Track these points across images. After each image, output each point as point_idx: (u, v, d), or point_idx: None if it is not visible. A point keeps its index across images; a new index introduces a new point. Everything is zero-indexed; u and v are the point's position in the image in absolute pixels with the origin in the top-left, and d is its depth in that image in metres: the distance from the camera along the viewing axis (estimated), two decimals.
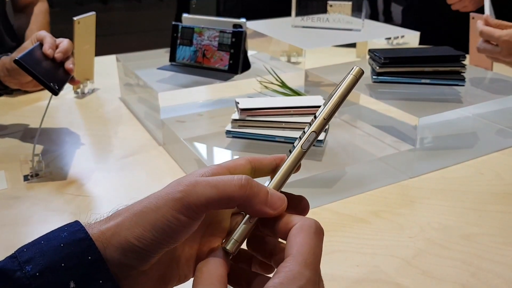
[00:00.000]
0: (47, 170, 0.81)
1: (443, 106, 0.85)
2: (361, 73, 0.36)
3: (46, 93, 1.20)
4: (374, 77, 0.90)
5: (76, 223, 0.32)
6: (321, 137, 0.77)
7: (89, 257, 0.30)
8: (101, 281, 0.30)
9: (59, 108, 1.12)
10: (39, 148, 0.90)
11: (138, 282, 0.32)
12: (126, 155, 0.88)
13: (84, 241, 0.30)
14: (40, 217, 0.69)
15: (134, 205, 0.32)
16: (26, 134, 0.97)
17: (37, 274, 0.29)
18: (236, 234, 0.34)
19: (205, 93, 1.14)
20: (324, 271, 0.57)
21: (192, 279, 0.34)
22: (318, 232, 0.31)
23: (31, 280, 0.28)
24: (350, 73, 0.36)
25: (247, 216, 0.34)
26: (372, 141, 0.90)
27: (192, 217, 0.31)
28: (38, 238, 0.31)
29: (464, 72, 0.88)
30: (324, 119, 0.35)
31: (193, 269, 0.36)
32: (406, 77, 0.88)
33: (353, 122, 0.99)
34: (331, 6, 1.26)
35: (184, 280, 0.36)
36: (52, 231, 0.32)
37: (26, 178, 0.79)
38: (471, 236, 0.64)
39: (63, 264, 0.29)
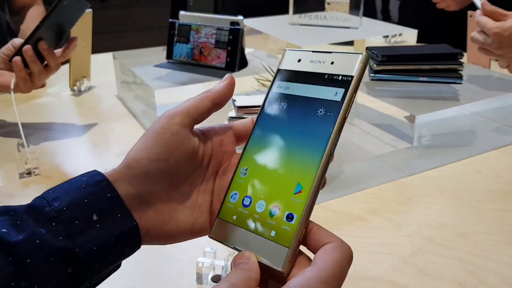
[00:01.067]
0: (43, 168, 0.81)
1: (440, 104, 0.84)
2: (367, 59, 0.36)
3: (42, 91, 1.20)
4: (371, 75, 0.90)
5: (94, 170, 0.36)
6: None
7: (108, 195, 0.34)
8: (119, 215, 0.33)
9: (55, 106, 1.11)
10: (35, 145, 0.89)
11: (146, 216, 0.35)
12: (122, 152, 0.87)
13: (102, 181, 0.34)
14: None
15: None
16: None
17: (64, 208, 0.32)
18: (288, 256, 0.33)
19: (202, 90, 1.13)
20: None
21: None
22: (349, 260, 0.32)
23: (59, 213, 0.32)
24: (359, 61, 0.35)
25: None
26: (370, 139, 0.90)
27: (177, 122, 0.36)
28: (61, 183, 0.35)
29: (461, 70, 0.88)
30: (345, 117, 0.35)
31: (209, 219, 0.38)
32: (403, 75, 0.88)
33: (350, 120, 0.99)
34: (328, 4, 1.26)
35: (199, 232, 0.37)
36: (72, 177, 0.35)
37: (22, 175, 0.79)
38: (468, 234, 0.64)
39: (86, 201, 0.33)
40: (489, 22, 0.92)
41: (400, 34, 1.45)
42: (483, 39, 0.94)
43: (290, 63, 0.39)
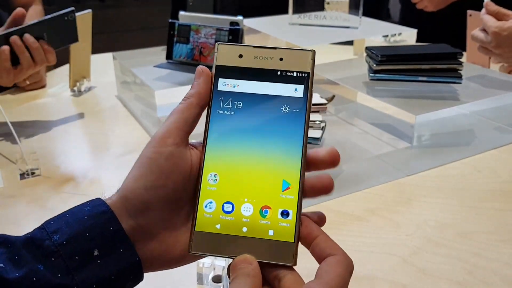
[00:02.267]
0: (44, 169, 0.81)
1: (440, 103, 0.84)
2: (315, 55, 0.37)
3: (43, 92, 1.20)
4: (371, 74, 0.90)
5: (98, 199, 0.35)
6: (318, 134, 0.77)
7: (111, 228, 0.32)
8: (121, 250, 0.32)
9: (55, 106, 1.11)
10: (35, 146, 0.90)
11: (150, 246, 0.34)
12: (122, 153, 0.88)
13: (105, 213, 0.33)
14: (36, 216, 0.69)
15: None
16: (22, 132, 0.97)
17: (64, 242, 0.31)
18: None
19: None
20: None
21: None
22: (351, 273, 0.32)
23: (59, 248, 0.31)
24: (311, 58, 0.37)
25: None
26: (369, 139, 0.90)
27: (170, 144, 0.34)
28: (63, 212, 0.34)
29: (461, 70, 0.88)
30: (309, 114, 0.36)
31: None
32: (403, 74, 0.88)
33: (350, 120, 0.99)
34: (328, 3, 1.26)
35: None
36: (76, 206, 0.34)
37: (22, 176, 0.79)
38: (467, 234, 0.64)
39: (87, 234, 0.32)
40: (490, 20, 0.92)
41: (400, 34, 1.45)
42: (483, 37, 0.94)
43: (230, 59, 0.37)
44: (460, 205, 0.70)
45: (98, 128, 0.99)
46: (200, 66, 0.37)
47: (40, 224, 0.33)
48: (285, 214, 0.34)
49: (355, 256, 0.60)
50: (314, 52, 0.37)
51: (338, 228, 0.65)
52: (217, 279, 0.55)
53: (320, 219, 0.35)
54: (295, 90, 0.36)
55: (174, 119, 0.35)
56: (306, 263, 0.34)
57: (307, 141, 0.36)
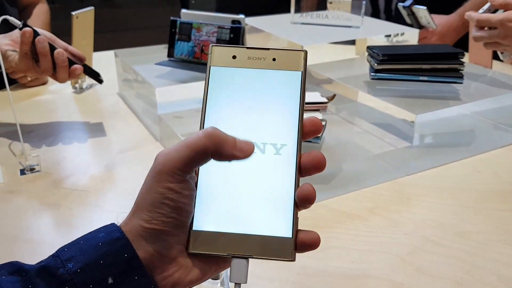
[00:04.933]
0: (44, 165, 0.81)
1: (441, 103, 0.84)
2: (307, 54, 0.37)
3: (44, 89, 1.20)
4: (372, 74, 0.90)
5: (112, 224, 0.34)
6: None
7: (125, 255, 0.32)
8: (136, 277, 0.32)
9: (56, 103, 1.12)
10: (35, 142, 0.90)
11: (170, 270, 0.34)
12: (123, 150, 0.88)
13: (120, 240, 0.33)
14: (36, 211, 0.69)
15: (137, 197, 0.35)
16: (23, 128, 0.97)
17: (78, 270, 0.31)
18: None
19: (203, 88, 1.14)
20: (319, 267, 0.57)
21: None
22: None
23: (73, 276, 0.31)
24: (303, 58, 0.37)
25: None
26: (369, 138, 0.90)
27: (179, 180, 0.33)
28: (77, 238, 0.34)
29: (462, 70, 0.88)
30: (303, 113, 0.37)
31: None
32: (404, 74, 0.88)
33: (350, 119, 0.99)
34: (330, 3, 1.26)
35: (223, 265, 0.36)
36: (90, 232, 0.34)
37: (22, 172, 0.79)
38: (466, 233, 0.64)
39: (101, 262, 0.32)
40: (491, 16, 0.93)
41: (402, 34, 1.45)
42: (487, 34, 0.95)
43: (224, 60, 0.38)
44: (459, 205, 0.70)
45: (99, 125, 0.99)
46: (253, 147, 0.36)
47: (54, 252, 0.33)
48: (284, 212, 0.35)
49: (353, 255, 0.60)
50: (306, 52, 0.37)
51: (336, 227, 0.65)
52: (215, 277, 0.55)
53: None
54: (289, 88, 0.37)
55: (186, 153, 0.33)
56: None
57: (301, 140, 0.36)
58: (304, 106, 0.37)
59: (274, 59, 0.37)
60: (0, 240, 0.62)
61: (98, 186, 0.76)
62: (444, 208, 0.70)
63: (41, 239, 0.63)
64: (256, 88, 0.37)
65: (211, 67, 0.38)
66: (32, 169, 0.79)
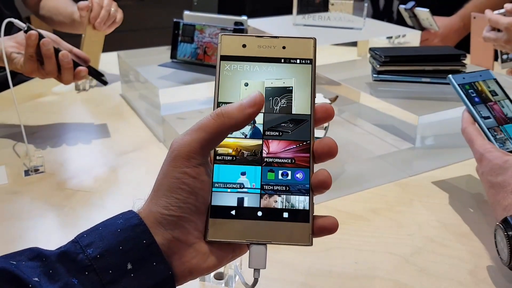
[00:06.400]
0: (48, 166, 0.81)
1: (443, 105, 0.85)
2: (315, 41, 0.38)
3: (48, 90, 1.20)
4: (374, 75, 0.90)
5: (130, 211, 0.35)
6: (321, 134, 0.77)
7: (144, 241, 0.33)
8: (154, 263, 0.32)
9: (60, 104, 1.12)
10: (39, 143, 0.90)
11: (187, 256, 0.34)
12: (126, 151, 0.88)
13: (138, 226, 0.33)
14: (40, 211, 0.69)
15: (154, 184, 0.35)
16: (27, 130, 0.97)
17: (98, 256, 0.32)
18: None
19: (206, 90, 1.14)
20: (323, 267, 0.58)
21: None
22: None
23: (93, 262, 0.32)
24: (313, 45, 0.38)
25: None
26: (372, 139, 0.90)
27: (195, 164, 0.34)
28: (95, 225, 0.34)
29: (464, 71, 0.88)
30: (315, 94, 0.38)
31: None
32: (406, 75, 0.89)
33: (353, 120, 0.99)
34: (332, 4, 1.26)
35: (239, 252, 0.37)
36: (108, 219, 0.34)
37: (27, 173, 0.79)
38: (469, 234, 0.64)
39: (120, 247, 0.32)
40: (501, 18, 0.97)
41: (404, 35, 1.45)
42: (495, 36, 0.98)
43: (234, 49, 0.38)
44: (462, 206, 0.70)
45: (102, 126, 1.00)
46: (261, 94, 0.36)
47: (74, 237, 0.33)
48: (301, 198, 0.36)
49: (356, 255, 0.60)
50: (315, 39, 0.38)
51: (340, 227, 0.65)
52: (219, 276, 0.56)
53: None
54: (301, 73, 0.37)
55: (200, 135, 0.34)
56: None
57: (314, 126, 0.37)
58: (315, 93, 0.37)
59: (284, 47, 0.38)
60: (5, 240, 0.63)
61: (102, 187, 0.76)
62: (447, 208, 0.70)
63: (45, 239, 0.63)
64: (268, 77, 0.37)
65: (221, 56, 0.38)
66: (36, 170, 0.79)
